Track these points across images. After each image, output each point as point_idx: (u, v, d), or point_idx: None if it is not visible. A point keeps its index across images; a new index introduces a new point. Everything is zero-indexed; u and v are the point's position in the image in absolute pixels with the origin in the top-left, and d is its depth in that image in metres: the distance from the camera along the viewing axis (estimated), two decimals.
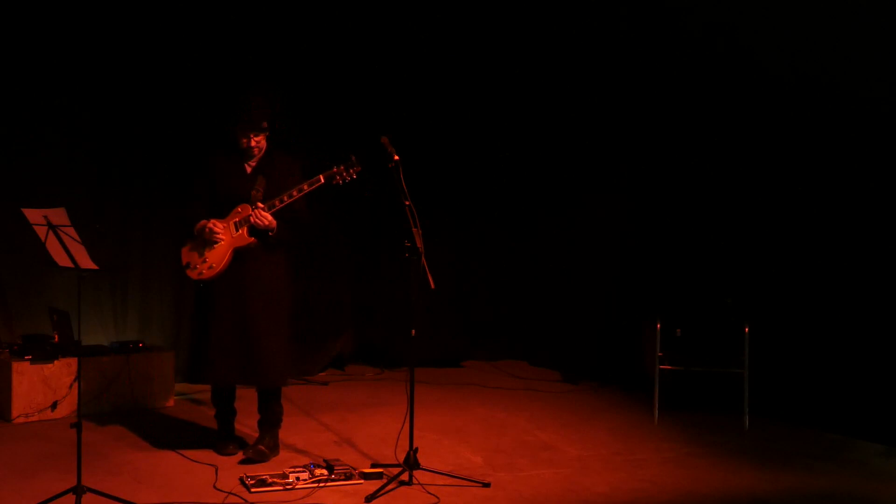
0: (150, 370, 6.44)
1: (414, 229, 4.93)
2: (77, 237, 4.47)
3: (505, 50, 7.94)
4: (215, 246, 5.27)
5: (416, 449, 4.99)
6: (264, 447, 5.34)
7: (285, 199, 5.21)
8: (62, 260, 4.62)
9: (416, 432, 5.01)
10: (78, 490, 4.38)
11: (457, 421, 6.29)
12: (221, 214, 5.31)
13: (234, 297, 5.29)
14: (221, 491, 4.76)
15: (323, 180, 5.20)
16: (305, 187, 5.20)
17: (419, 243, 4.92)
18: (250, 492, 4.76)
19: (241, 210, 5.27)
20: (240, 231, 5.26)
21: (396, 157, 5.01)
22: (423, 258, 4.91)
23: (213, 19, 7.08)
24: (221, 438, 5.50)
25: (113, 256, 6.77)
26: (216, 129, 7.00)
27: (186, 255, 5.36)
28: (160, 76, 6.96)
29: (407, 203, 4.97)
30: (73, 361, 6.04)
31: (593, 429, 6.17)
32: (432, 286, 4.90)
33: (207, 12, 7.05)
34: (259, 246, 5.28)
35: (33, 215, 4.57)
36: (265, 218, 5.19)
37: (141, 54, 6.89)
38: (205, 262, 5.27)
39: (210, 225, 5.25)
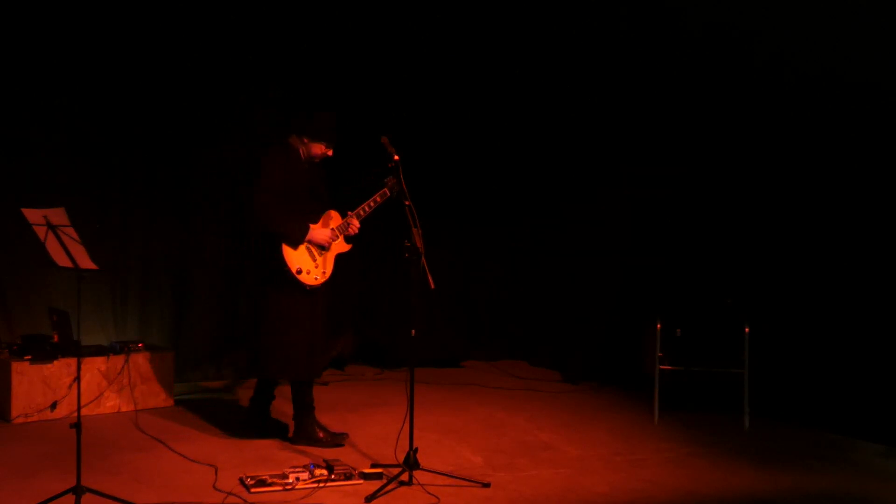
0: (150, 370, 6.44)
1: (414, 229, 4.94)
2: (77, 237, 4.46)
3: (505, 50, 7.94)
4: (325, 253, 5.46)
5: (416, 449, 4.98)
6: None
7: (367, 209, 5.52)
8: (62, 260, 4.61)
9: (416, 432, 5.01)
10: (78, 490, 4.37)
11: (457, 421, 6.29)
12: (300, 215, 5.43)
13: (328, 298, 5.59)
14: (221, 491, 4.76)
15: (389, 194, 5.44)
16: (378, 199, 5.48)
17: (419, 243, 4.93)
18: (250, 492, 4.76)
19: (333, 217, 5.53)
20: (340, 238, 5.52)
21: (396, 157, 5.06)
22: (423, 258, 4.92)
23: (212, 19, 7.08)
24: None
25: (113, 256, 6.77)
26: (215, 129, 7.05)
27: (295, 260, 5.39)
28: (160, 76, 6.96)
29: (407, 203, 4.99)
30: (73, 361, 6.04)
31: (593, 429, 6.17)
32: (432, 286, 4.90)
33: (207, 12, 7.05)
34: None
35: (33, 215, 4.55)
36: (357, 226, 5.52)
37: (141, 54, 6.89)
38: (318, 267, 5.44)
39: (330, 234, 5.44)
